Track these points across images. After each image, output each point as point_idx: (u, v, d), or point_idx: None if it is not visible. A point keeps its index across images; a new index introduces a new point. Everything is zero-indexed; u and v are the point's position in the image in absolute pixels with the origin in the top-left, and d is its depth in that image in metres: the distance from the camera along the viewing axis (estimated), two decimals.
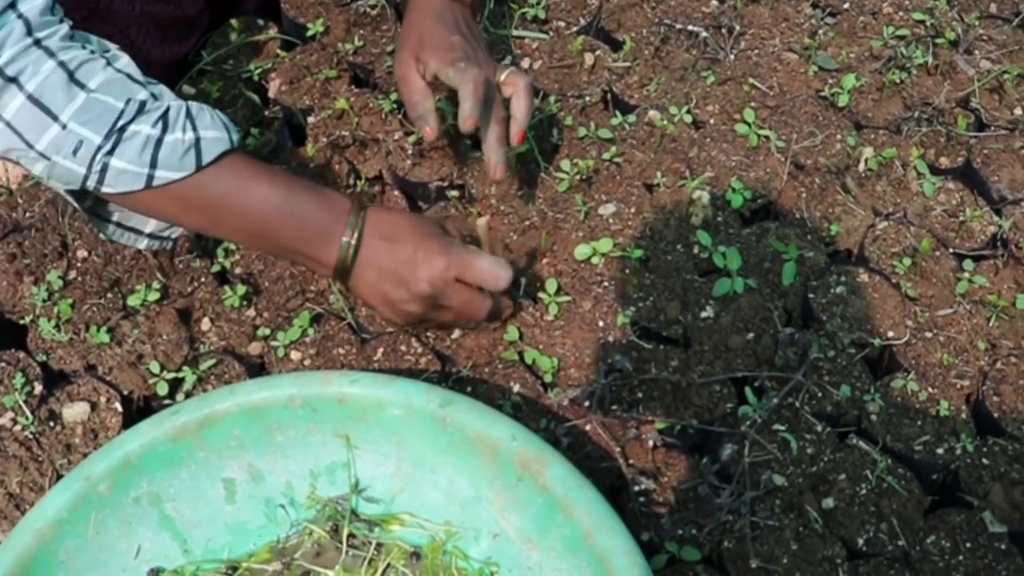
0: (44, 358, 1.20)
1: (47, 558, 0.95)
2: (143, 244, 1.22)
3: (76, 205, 1.13)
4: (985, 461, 1.13)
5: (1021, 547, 1.07)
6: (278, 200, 1.08)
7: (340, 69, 1.47)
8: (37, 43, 1.00)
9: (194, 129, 1.05)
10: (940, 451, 1.14)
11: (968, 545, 1.07)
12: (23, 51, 0.99)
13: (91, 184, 1.04)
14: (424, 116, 1.22)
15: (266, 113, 1.44)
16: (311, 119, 1.42)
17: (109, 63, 1.05)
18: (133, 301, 1.24)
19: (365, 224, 1.10)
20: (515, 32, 1.50)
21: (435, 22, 1.25)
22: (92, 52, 1.05)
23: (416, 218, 1.15)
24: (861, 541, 1.07)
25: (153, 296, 1.24)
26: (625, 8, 1.56)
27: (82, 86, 1.02)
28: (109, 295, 1.26)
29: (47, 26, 1.01)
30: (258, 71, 1.47)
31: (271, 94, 1.46)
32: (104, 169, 1.03)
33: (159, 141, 1.03)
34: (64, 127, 1.01)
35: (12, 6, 0.99)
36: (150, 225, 1.20)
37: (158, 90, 1.08)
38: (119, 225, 1.19)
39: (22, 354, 1.21)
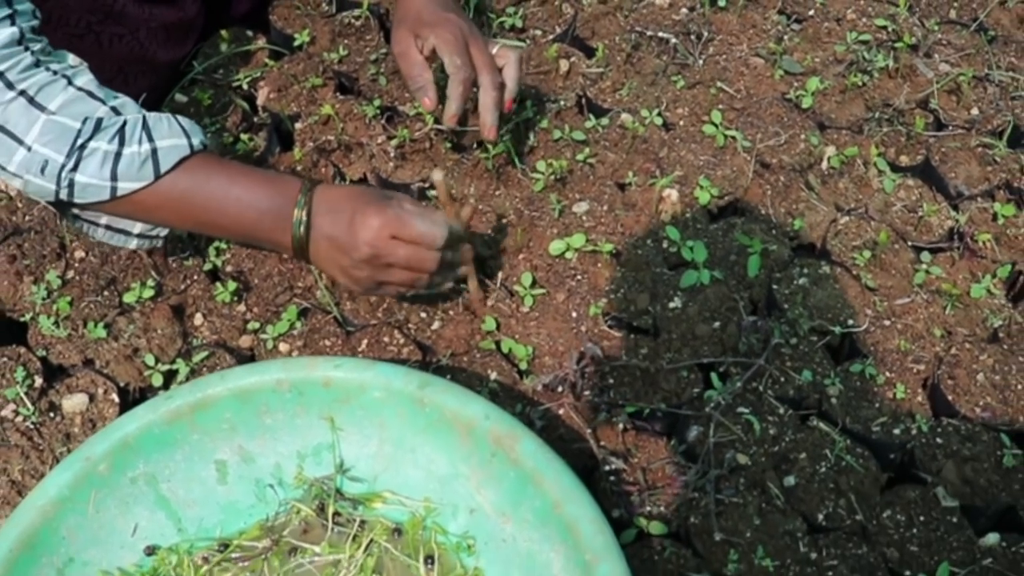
0: (44, 353, 1.26)
1: (50, 534, 1.00)
2: (133, 244, 1.28)
3: (60, 214, 1.20)
4: (939, 440, 1.18)
5: (972, 520, 1.13)
6: (234, 193, 1.16)
7: (326, 77, 1.54)
8: None
9: (150, 140, 1.13)
10: (896, 431, 1.19)
11: (922, 518, 1.13)
12: None
13: (63, 197, 1.13)
14: (424, 88, 1.31)
15: (255, 119, 1.50)
16: (298, 125, 1.48)
17: (70, 82, 1.13)
18: (129, 298, 1.30)
19: (313, 202, 1.17)
20: (494, 40, 1.57)
21: (429, 1, 1.34)
22: (55, 73, 1.12)
23: (358, 188, 1.21)
24: (821, 516, 1.13)
25: (148, 293, 1.30)
26: (598, 17, 1.62)
27: (42, 109, 1.10)
28: (106, 293, 1.31)
29: (8, 58, 1.09)
30: (247, 79, 1.54)
31: (260, 101, 1.52)
32: (71, 184, 1.11)
33: (117, 155, 1.11)
34: (29, 149, 1.09)
35: None
36: (138, 226, 1.26)
37: (119, 103, 1.15)
38: (108, 228, 1.25)
39: (23, 349, 1.26)
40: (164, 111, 1.47)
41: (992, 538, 1.11)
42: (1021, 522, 1.13)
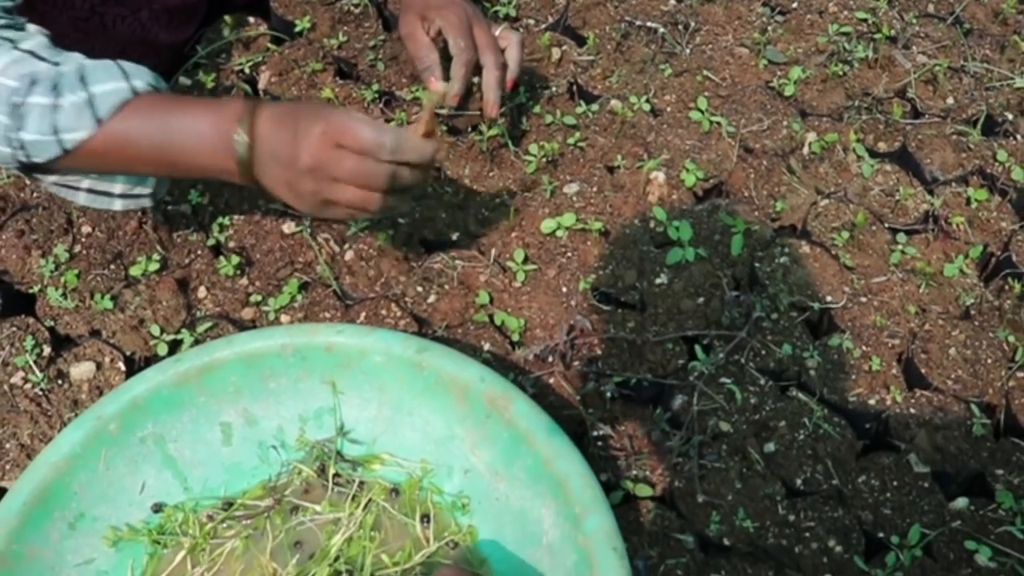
0: (52, 323, 1.30)
1: (62, 489, 1.03)
2: (117, 205, 1.25)
3: (41, 182, 1.20)
4: (912, 411, 1.24)
5: (942, 485, 1.18)
6: (176, 125, 1.11)
7: (325, 63, 1.58)
8: None
9: (85, 88, 1.09)
10: (872, 402, 1.25)
11: (895, 483, 1.18)
12: None
13: (23, 159, 1.11)
14: (430, 68, 1.36)
15: None
16: None
17: (15, 45, 1.11)
18: (135, 271, 1.34)
19: (255, 119, 1.10)
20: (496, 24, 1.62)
21: None
22: (3, 40, 1.11)
23: (303, 102, 1.16)
24: (799, 481, 1.18)
25: (153, 267, 1.34)
26: (590, 7, 1.68)
27: None
28: (112, 266, 1.36)
29: None
30: (249, 64, 1.58)
31: (261, 85, 1.57)
32: (22, 145, 1.09)
33: (55, 107, 1.08)
34: None
35: None
36: (118, 186, 1.23)
37: (63, 58, 1.13)
38: (90, 191, 1.23)
39: (31, 320, 1.30)
40: None
41: (961, 502, 1.17)
42: (989, 487, 1.18)
